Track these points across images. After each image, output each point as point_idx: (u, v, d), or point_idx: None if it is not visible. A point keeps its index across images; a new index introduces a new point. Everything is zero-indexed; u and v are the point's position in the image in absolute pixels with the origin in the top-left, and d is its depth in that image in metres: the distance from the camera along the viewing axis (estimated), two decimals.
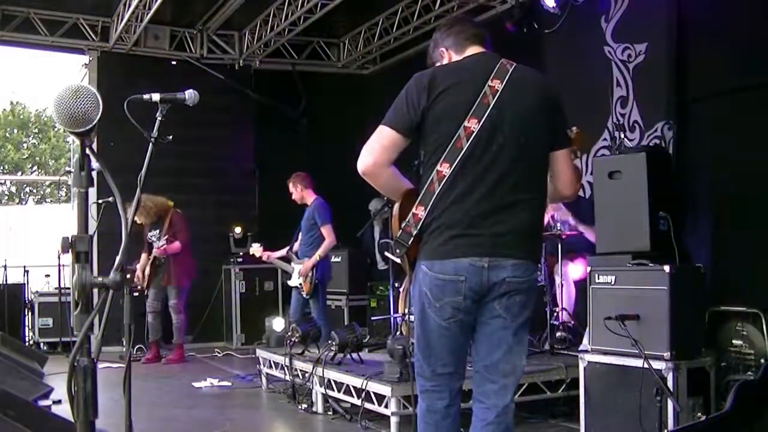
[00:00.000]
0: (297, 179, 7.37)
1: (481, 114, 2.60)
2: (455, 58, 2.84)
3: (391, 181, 2.74)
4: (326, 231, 7.06)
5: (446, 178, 2.60)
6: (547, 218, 5.95)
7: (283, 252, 7.71)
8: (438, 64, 2.89)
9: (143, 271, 8.18)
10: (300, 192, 7.34)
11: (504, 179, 2.62)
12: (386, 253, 3.44)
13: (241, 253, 9.58)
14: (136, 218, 7.60)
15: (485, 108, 2.61)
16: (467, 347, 2.79)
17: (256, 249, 7.73)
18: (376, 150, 2.65)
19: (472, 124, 2.59)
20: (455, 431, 2.80)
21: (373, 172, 2.67)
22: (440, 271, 2.62)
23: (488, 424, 2.72)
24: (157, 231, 8.12)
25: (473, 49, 2.83)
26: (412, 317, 3.10)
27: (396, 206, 2.75)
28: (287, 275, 7.55)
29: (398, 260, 2.79)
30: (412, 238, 2.66)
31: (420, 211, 2.63)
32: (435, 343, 2.72)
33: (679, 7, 6.06)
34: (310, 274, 7.09)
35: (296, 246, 7.55)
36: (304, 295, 7.18)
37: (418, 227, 2.64)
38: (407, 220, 2.66)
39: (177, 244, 8.06)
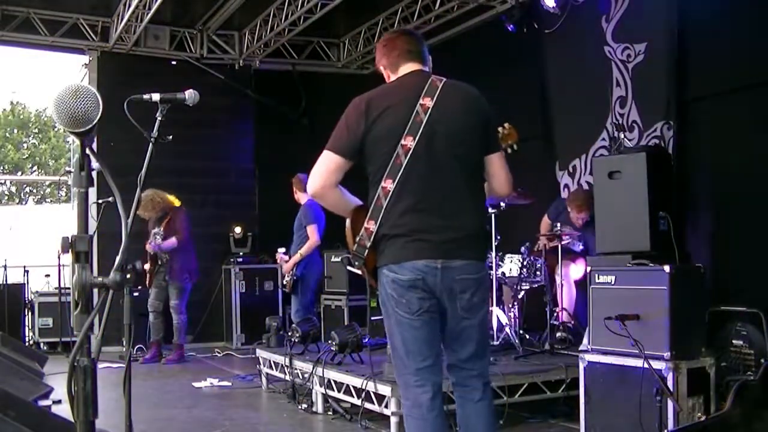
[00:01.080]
0: (295, 181, 7.54)
1: (415, 131, 2.83)
2: (392, 76, 3.08)
3: (339, 201, 2.97)
4: (310, 231, 7.30)
5: (391, 193, 2.84)
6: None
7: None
8: (385, 76, 3.14)
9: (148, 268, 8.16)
10: (297, 194, 7.51)
11: (447, 190, 2.87)
12: (348, 267, 3.61)
13: (240, 253, 9.60)
14: (141, 212, 7.65)
15: (419, 125, 2.84)
16: (440, 340, 2.98)
17: (279, 257, 7.87)
18: (323, 173, 2.89)
19: (408, 142, 2.83)
20: (442, 424, 2.94)
21: (322, 194, 2.92)
22: (399, 271, 2.84)
23: (480, 399, 2.98)
24: (159, 228, 8.12)
25: (407, 67, 3.04)
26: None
27: (348, 223, 2.95)
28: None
29: (359, 272, 3.02)
30: (366, 250, 2.88)
31: (371, 225, 2.86)
32: (410, 338, 2.89)
33: (679, 7, 6.07)
34: (291, 272, 7.37)
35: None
36: (286, 291, 7.37)
37: (371, 239, 2.87)
38: (360, 234, 2.89)
39: (172, 240, 8.03)
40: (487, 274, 3.25)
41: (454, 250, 2.84)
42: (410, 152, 2.82)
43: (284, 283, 7.52)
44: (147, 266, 8.13)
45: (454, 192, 2.88)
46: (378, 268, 2.91)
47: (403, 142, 2.82)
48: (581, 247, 6.04)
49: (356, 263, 2.93)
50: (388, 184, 2.83)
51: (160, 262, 8.15)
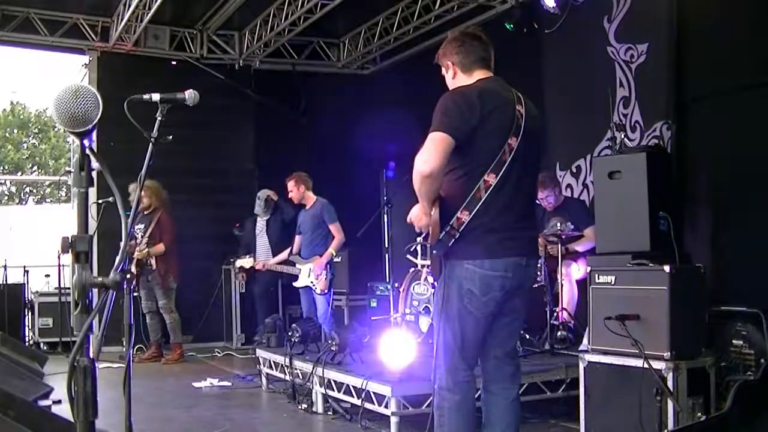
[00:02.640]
0: (300, 179, 7.39)
1: (518, 133, 2.99)
2: (461, 75, 3.17)
3: (439, 186, 2.97)
4: (336, 229, 7.19)
5: (492, 186, 2.93)
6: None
7: (284, 255, 7.72)
8: (444, 72, 3.24)
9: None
10: (301, 192, 7.36)
11: (530, 190, 3.17)
12: (408, 256, 3.63)
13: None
14: (143, 198, 7.66)
15: (519, 129, 3.00)
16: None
17: (246, 262, 7.85)
18: (440, 155, 2.87)
19: (513, 142, 2.97)
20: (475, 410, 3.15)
21: (437, 174, 2.90)
22: (491, 268, 2.94)
23: (513, 400, 3.17)
24: (143, 226, 8.11)
25: (481, 73, 3.16)
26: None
27: (437, 210, 2.98)
28: (293, 278, 7.58)
29: (425, 262, 3.10)
30: (453, 240, 2.93)
31: (465, 216, 2.93)
32: (471, 336, 3.01)
33: (680, 7, 6.07)
34: (325, 271, 7.18)
35: (295, 248, 7.57)
36: (318, 293, 7.21)
37: (460, 230, 2.92)
38: (451, 223, 2.93)
39: (161, 246, 8.05)
40: None
41: (533, 250, 3.13)
42: (513, 151, 2.96)
43: (310, 283, 7.27)
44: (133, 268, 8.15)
45: (531, 195, 3.23)
46: (456, 260, 2.96)
47: (509, 140, 2.95)
48: (572, 226, 5.92)
49: (435, 252, 2.96)
50: (491, 179, 2.92)
51: (143, 264, 8.10)
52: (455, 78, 3.19)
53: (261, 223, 8.73)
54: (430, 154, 2.86)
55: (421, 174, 2.87)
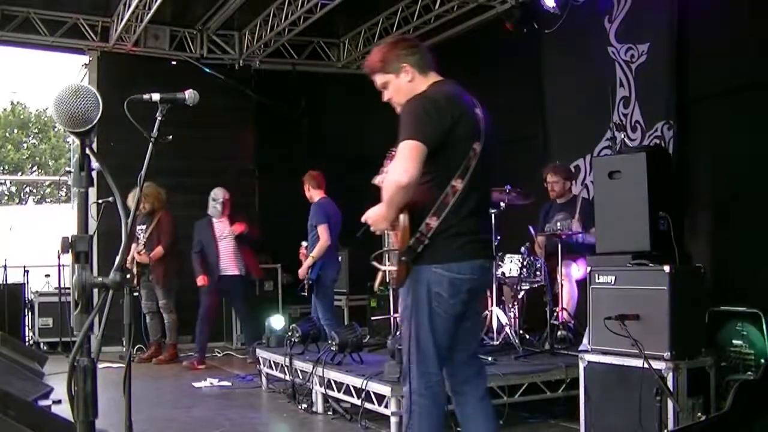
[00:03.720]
0: (307, 178, 7.32)
1: (479, 138, 2.99)
2: (418, 77, 3.09)
3: (410, 197, 2.90)
4: (321, 231, 7.05)
5: (459, 192, 2.92)
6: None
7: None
8: (394, 79, 3.11)
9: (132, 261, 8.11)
10: (309, 191, 7.32)
11: (488, 193, 3.21)
12: (372, 263, 3.56)
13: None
14: (142, 203, 7.63)
15: (480, 133, 3.00)
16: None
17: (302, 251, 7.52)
18: (416, 164, 2.83)
19: (477, 146, 2.97)
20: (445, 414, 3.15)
21: (412, 185, 2.84)
22: (459, 271, 2.94)
23: (483, 397, 3.17)
24: (144, 226, 8.12)
25: (435, 76, 3.13)
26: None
27: (406, 217, 2.92)
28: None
29: (392, 268, 3.15)
30: (422, 246, 2.91)
31: (433, 221, 2.92)
32: (442, 339, 3.00)
33: (680, 8, 6.07)
34: (307, 275, 7.15)
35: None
36: (305, 294, 7.21)
37: (429, 236, 2.91)
38: (420, 229, 2.91)
39: (159, 250, 8.04)
40: None
41: (491, 252, 3.20)
42: (477, 156, 2.96)
43: (303, 286, 7.21)
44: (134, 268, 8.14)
45: (489, 198, 3.25)
46: (423, 265, 2.94)
47: (474, 146, 2.96)
48: (573, 224, 5.91)
49: (404, 258, 2.93)
50: (458, 184, 2.93)
51: (143, 264, 8.11)
52: (413, 81, 3.08)
53: (220, 226, 8.09)
54: (409, 163, 2.82)
55: (398, 184, 2.82)
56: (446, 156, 2.92)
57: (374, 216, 2.98)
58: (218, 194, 8.05)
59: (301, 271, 7.14)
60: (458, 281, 2.95)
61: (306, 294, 7.15)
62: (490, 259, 3.13)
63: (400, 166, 2.83)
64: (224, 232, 8.01)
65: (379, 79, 3.17)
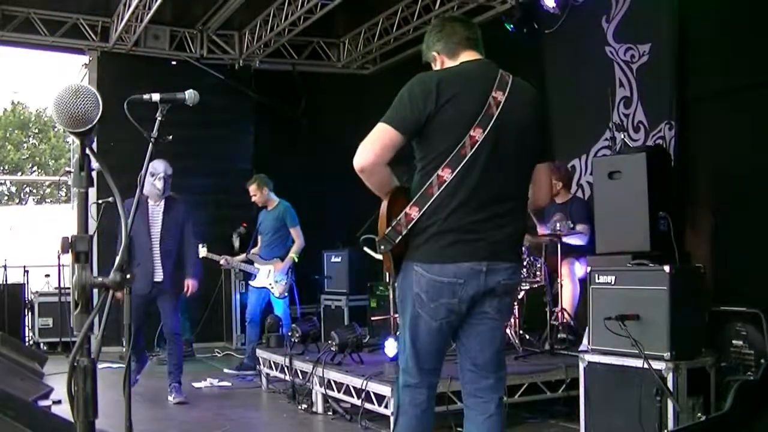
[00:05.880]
0: (263, 182, 7.37)
1: (485, 124, 2.66)
2: (448, 63, 2.88)
3: (386, 180, 2.73)
4: (296, 233, 7.22)
5: (447, 183, 2.64)
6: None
7: (243, 256, 7.71)
8: (436, 64, 2.92)
9: None
10: (264, 195, 7.36)
11: (501, 188, 2.72)
12: (366, 249, 3.42)
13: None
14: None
15: (490, 119, 2.66)
16: (448, 347, 2.90)
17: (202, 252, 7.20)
18: (378, 148, 2.65)
19: (477, 134, 2.65)
20: (431, 421, 2.90)
21: (372, 170, 2.67)
22: (439, 273, 2.67)
23: (491, 416, 2.81)
24: None
25: (467, 54, 2.86)
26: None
27: (385, 204, 2.73)
28: (250, 276, 7.59)
29: (378, 256, 2.84)
30: (400, 237, 2.68)
31: (414, 212, 2.67)
32: (424, 342, 2.78)
33: (680, 7, 6.06)
34: (285, 276, 7.22)
35: (255, 249, 7.57)
36: (277, 296, 7.23)
37: (408, 227, 2.67)
38: (398, 219, 2.68)
39: None
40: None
41: (500, 252, 2.71)
42: (477, 144, 2.64)
43: (268, 285, 7.28)
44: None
45: (507, 192, 2.75)
46: (408, 261, 2.73)
47: (471, 132, 2.64)
48: (571, 225, 5.91)
49: (383, 247, 2.71)
50: (446, 174, 2.64)
51: None
52: (443, 66, 2.88)
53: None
54: (366, 147, 2.65)
55: (357, 167, 2.66)
56: (434, 142, 2.67)
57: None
58: (158, 167, 6.28)
59: (278, 274, 7.24)
60: (439, 285, 2.67)
61: (280, 297, 7.25)
62: (489, 260, 2.68)
63: (359, 149, 2.67)
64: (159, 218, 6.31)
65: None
